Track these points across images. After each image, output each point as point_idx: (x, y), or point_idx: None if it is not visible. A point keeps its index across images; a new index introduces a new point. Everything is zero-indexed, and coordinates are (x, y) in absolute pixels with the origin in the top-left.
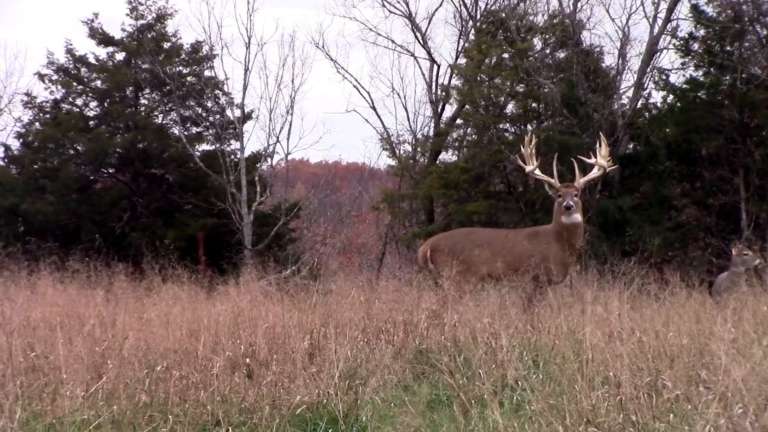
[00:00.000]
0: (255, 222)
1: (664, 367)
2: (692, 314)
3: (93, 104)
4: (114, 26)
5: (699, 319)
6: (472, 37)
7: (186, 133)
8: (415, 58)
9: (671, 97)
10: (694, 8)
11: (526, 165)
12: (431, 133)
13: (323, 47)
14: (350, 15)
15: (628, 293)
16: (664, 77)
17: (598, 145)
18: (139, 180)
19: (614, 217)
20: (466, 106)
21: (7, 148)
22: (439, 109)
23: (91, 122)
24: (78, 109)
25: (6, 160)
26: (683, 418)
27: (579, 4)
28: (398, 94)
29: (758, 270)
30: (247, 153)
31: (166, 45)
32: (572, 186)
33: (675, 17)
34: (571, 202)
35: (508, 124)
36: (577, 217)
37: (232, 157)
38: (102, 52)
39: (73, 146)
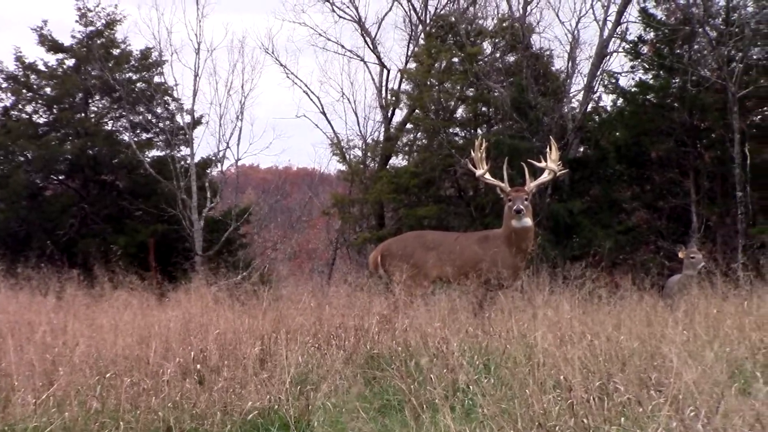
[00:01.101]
0: (205, 228)
1: (615, 371)
2: (643, 317)
3: (43, 111)
4: (64, 33)
5: (650, 322)
6: (421, 41)
7: (136, 139)
8: (365, 62)
9: (621, 100)
10: (644, 11)
11: (476, 169)
12: (381, 138)
13: (273, 53)
14: (300, 20)
15: (579, 297)
16: (613, 80)
17: (548, 148)
18: (89, 186)
19: (564, 220)
20: (416, 110)
21: None
22: (389, 114)
23: (41, 129)
24: (27, 117)
25: None
26: (635, 422)
27: (528, 8)
28: (348, 99)
29: (701, 272)
30: (197, 159)
31: (116, 51)
32: (522, 190)
33: (625, 20)
34: (522, 206)
35: (458, 129)
36: (527, 221)
37: (183, 162)
38: (51, 59)
39: (23, 153)
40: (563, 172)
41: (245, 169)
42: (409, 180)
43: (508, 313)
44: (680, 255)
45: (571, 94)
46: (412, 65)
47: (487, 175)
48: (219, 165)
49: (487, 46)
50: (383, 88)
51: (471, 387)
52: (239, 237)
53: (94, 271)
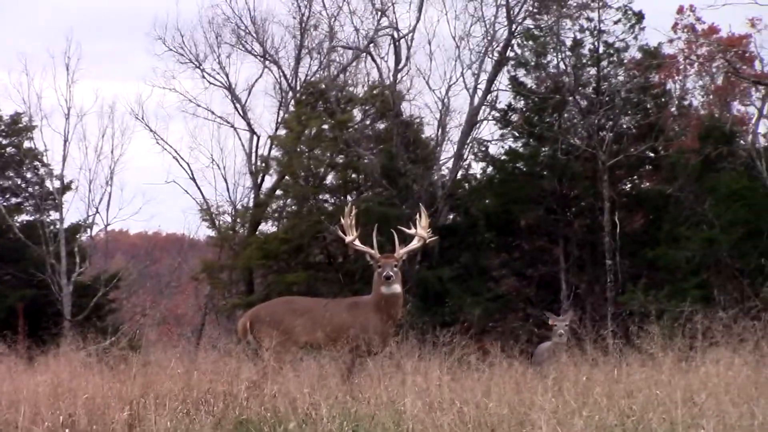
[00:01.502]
0: (74, 293)
1: None
2: (513, 384)
3: None
4: None
5: (520, 389)
6: (291, 108)
7: (5, 203)
8: (235, 129)
9: (491, 168)
10: (514, 79)
11: (345, 235)
12: (251, 204)
13: (143, 118)
14: (170, 86)
15: (448, 363)
16: (483, 148)
17: (418, 216)
18: None
19: (434, 287)
20: (286, 177)
21: None
22: (258, 180)
23: None
24: None
25: None
26: None
27: (399, 75)
28: (218, 165)
29: (568, 337)
30: (66, 223)
31: None
32: (392, 257)
33: (495, 88)
34: (391, 273)
35: (327, 195)
36: (397, 287)
37: (52, 227)
38: None
39: None
40: (433, 239)
41: (114, 234)
42: (278, 246)
43: (377, 379)
44: (550, 322)
45: (441, 162)
46: (282, 132)
47: (357, 242)
48: (88, 230)
49: (357, 113)
50: (253, 155)
51: None
52: (108, 302)
53: None
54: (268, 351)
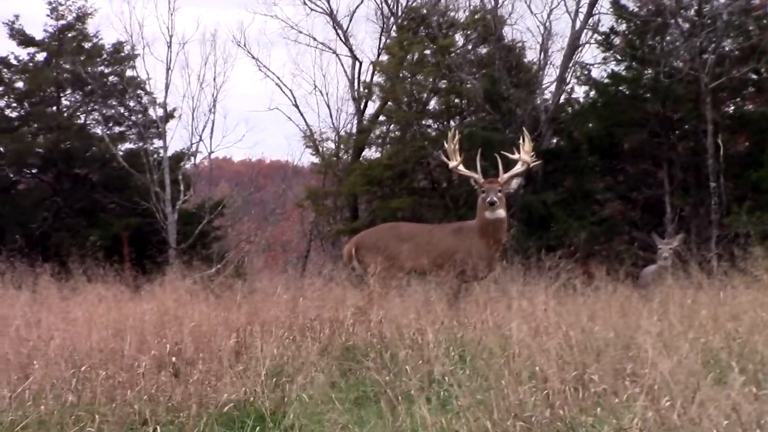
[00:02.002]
0: (179, 221)
1: (590, 361)
2: (618, 308)
3: (14, 105)
4: (35, 27)
5: (625, 313)
6: (393, 33)
7: (109, 132)
8: (337, 55)
9: (594, 91)
10: (616, 3)
11: (449, 161)
12: (354, 130)
13: (245, 45)
14: (271, 13)
15: (553, 288)
16: (586, 72)
17: (521, 140)
18: (62, 180)
19: (538, 212)
20: (389, 102)
21: None
22: (361, 106)
23: (13, 123)
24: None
25: None
26: (610, 412)
27: (500, 0)
28: (321, 92)
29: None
30: (170, 152)
31: (88, 45)
32: (496, 181)
33: (596, 12)
34: (495, 198)
35: (430, 120)
36: (501, 212)
37: (155, 156)
38: (23, 53)
39: None
40: (536, 163)
41: (218, 161)
42: (382, 172)
43: (483, 305)
44: (659, 245)
45: (543, 86)
46: (384, 58)
47: (461, 167)
48: (192, 158)
49: (459, 38)
50: (356, 81)
51: (446, 378)
52: (213, 230)
53: (69, 264)
54: (374, 277)
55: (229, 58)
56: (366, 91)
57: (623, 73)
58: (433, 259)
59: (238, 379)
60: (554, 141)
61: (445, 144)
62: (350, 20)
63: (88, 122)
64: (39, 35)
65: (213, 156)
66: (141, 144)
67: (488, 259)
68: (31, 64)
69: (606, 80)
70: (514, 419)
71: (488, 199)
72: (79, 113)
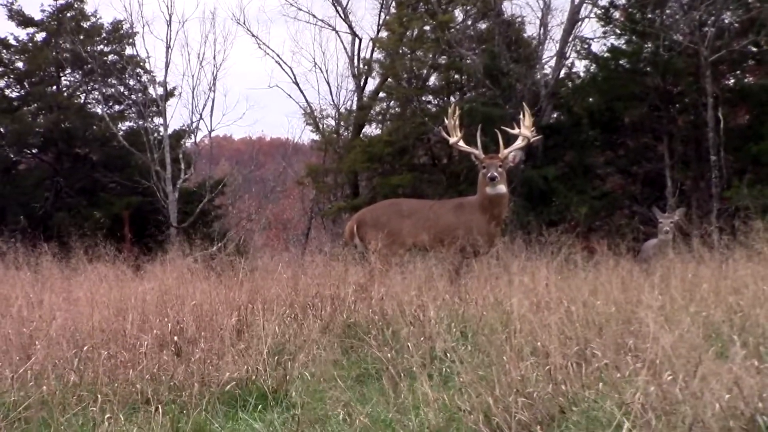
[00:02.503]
0: (180, 199)
1: (592, 336)
2: (619, 282)
3: (14, 85)
4: (34, 7)
5: (626, 287)
6: (393, 10)
7: (109, 111)
8: (337, 32)
9: (594, 66)
10: None
11: (450, 137)
12: (354, 107)
13: (244, 23)
14: None
15: (555, 263)
16: (586, 46)
17: (521, 115)
18: (63, 160)
19: (539, 186)
20: (389, 79)
21: None
22: (361, 83)
23: (13, 103)
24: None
25: None
26: (613, 387)
27: None
28: (320, 69)
29: (684, 230)
30: (170, 130)
31: (87, 24)
32: (496, 157)
33: None
34: (496, 173)
35: (430, 97)
36: (502, 188)
37: (156, 134)
38: (22, 33)
39: None
40: (536, 138)
41: (219, 140)
42: (382, 149)
43: (483, 280)
44: (660, 219)
45: (543, 61)
46: (383, 34)
47: (461, 143)
48: (192, 136)
49: (458, 14)
50: (355, 58)
51: (448, 354)
52: (214, 208)
53: (70, 244)
54: (375, 254)
55: (229, 36)
56: (366, 67)
57: (623, 47)
58: (433, 235)
59: (240, 357)
60: (554, 116)
61: (445, 120)
62: None
63: (88, 101)
64: (38, 15)
65: (213, 134)
66: (141, 123)
67: (489, 235)
68: (30, 45)
69: (606, 54)
70: (516, 395)
71: (489, 175)
72: (78, 92)
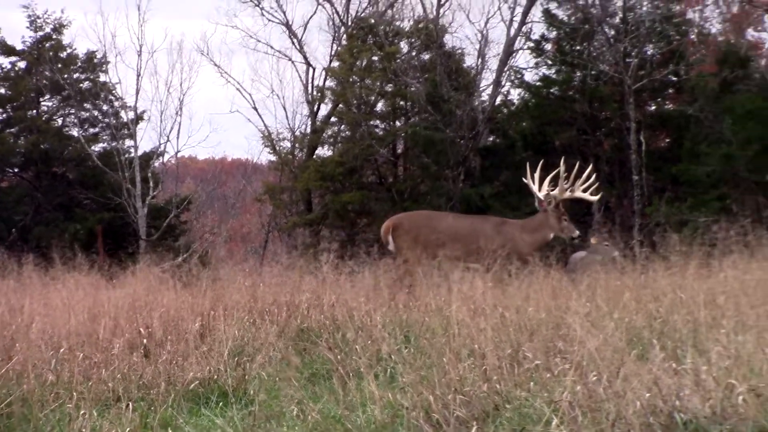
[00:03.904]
0: (149, 215)
1: (524, 340)
2: (550, 291)
3: None
4: (16, 38)
5: (556, 295)
6: (344, 42)
7: (84, 134)
8: (293, 62)
9: (527, 93)
10: (547, 12)
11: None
12: (308, 131)
13: (208, 54)
14: (232, 24)
15: (491, 273)
16: (520, 76)
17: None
18: (42, 178)
19: (476, 203)
20: (340, 105)
21: None
22: (315, 109)
23: None
24: None
25: None
26: (543, 386)
27: (441, 10)
28: (278, 96)
29: (614, 260)
30: (140, 151)
31: (64, 54)
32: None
33: (529, 20)
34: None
35: (378, 121)
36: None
37: (127, 155)
38: (5, 61)
39: None
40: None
41: (184, 160)
42: (334, 168)
43: (426, 288)
44: (593, 241)
45: (481, 89)
46: (335, 64)
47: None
48: (160, 157)
49: (404, 46)
50: (309, 85)
51: (393, 356)
52: (180, 223)
53: (49, 255)
54: (402, 257)
55: (194, 65)
56: (319, 94)
57: (554, 76)
58: (469, 249)
59: (203, 358)
60: (491, 139)
61: (393, 143)
62: (304, 30)
63: (65, 124)
64: (19, 45)
65: (179, 155)
66: (114, 144)
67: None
68: (12, 73)
69: (538, 83)
70: (455, 393)
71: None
72: (56, 116)
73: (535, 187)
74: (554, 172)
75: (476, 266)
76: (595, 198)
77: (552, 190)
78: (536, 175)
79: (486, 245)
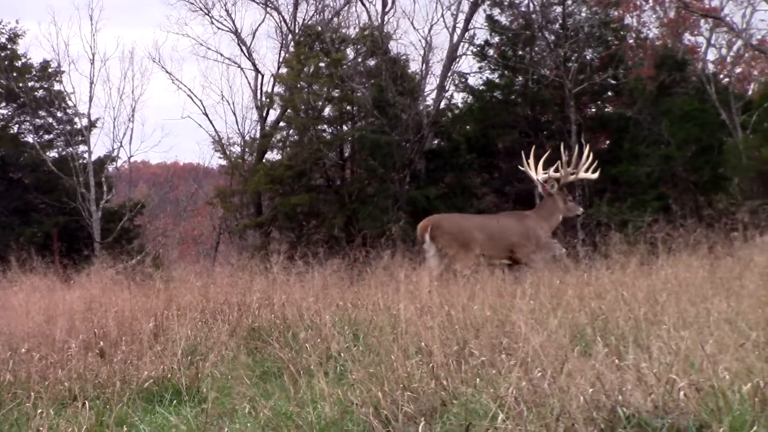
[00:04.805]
0: (103, 218)
1: (470, 337)
2: (495, 289)
3: None
4: None
5: (501, 294)
6: (292, 49)
7: (39, 140)
8: (242, 69)
9: (470, 97)
10: (489, 18)
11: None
12: (258, 135)
13: (159, 61)
14: (183, 32)
15: (436, 272)
16: (463, 80)
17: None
18: None
19: (422, 205)
20: (288, 110)
21: None
22: (264, 114)
23: None
24: None
25: None
26: (489, 382)
27: (386, 17)
28: (228, 101)
29: (557, 259)
30: (94, 157)
31: (19, 63)
32: None
33: (472, 26)
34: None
35: (325, 125)
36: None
37: (81, 160)
38: None
39: None
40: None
41: (137, 165)
42: (283, 172)
43: (374, 287)
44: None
45: (425, 93)
46: (284, 70)
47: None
48: (114, 162)
49: (350, 52)
50: (258, 91)
51: (342, 354)
52: (134, 226)
53: (6, 259)
54: (437, 255)
55: (146, 73)
56: (268, 100)
57: (496, 80)
58: (503, 247)
59: (157, 358)
60: (435, 142)
61: (341, 147)
62: (253, 37)
63: (20, 131)
64: None
65: (132, 160)
66: (68, 150)
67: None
68: None
69: (481, 87)
70: (403, 390)
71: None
72: (12, 124)
73: (532, 173)
74: (545, 156)
75: (506, 262)
76: (595, 175)
77: (552, 173)
78: (531, 161)
79: (518, 240)
